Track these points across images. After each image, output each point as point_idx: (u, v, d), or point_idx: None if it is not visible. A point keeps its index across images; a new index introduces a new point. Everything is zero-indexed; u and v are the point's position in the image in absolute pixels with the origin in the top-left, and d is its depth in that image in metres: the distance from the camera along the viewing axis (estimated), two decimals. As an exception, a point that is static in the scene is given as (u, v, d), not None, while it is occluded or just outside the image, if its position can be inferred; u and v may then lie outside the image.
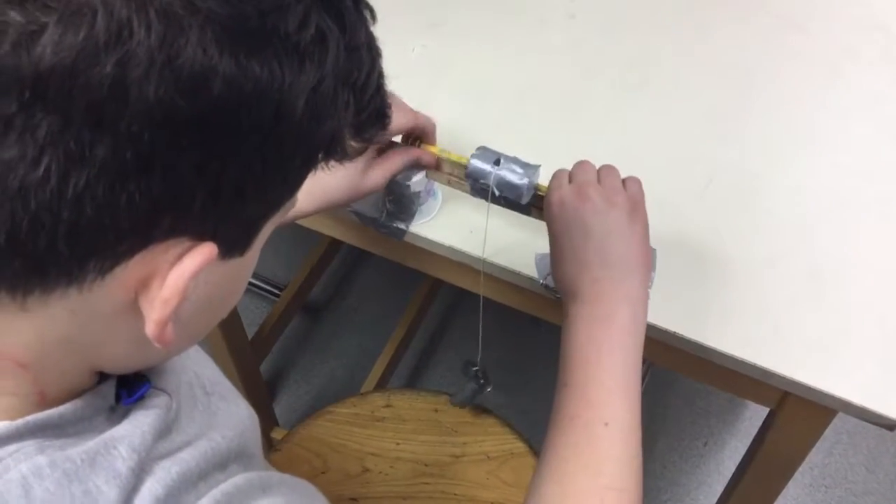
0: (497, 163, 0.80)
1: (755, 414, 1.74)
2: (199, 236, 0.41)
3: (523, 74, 1.08)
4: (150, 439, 0.45)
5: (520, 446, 1.08)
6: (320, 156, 0.46)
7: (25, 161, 0.35)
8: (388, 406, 1.12)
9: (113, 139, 0.36)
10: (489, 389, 0.94)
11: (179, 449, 0.47)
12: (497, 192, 0.80)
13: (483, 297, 0.89)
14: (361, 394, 1.16)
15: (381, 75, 0.47)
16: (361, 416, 1.11)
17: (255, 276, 1.93)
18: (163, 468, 0.45)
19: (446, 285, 1.90)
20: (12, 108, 0.35)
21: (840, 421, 0.85)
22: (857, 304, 0.85)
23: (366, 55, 0.45)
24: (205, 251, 0.41)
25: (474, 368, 0.94)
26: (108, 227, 0.38)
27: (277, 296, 1.76)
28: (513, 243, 0.90)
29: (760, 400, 0.90)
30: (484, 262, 0.88)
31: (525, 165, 0.80)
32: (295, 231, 1.96)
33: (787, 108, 1.04)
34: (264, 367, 1.80)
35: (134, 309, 0.42)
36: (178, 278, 0.41)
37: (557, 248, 0.73)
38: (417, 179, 0.86)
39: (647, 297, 0.72)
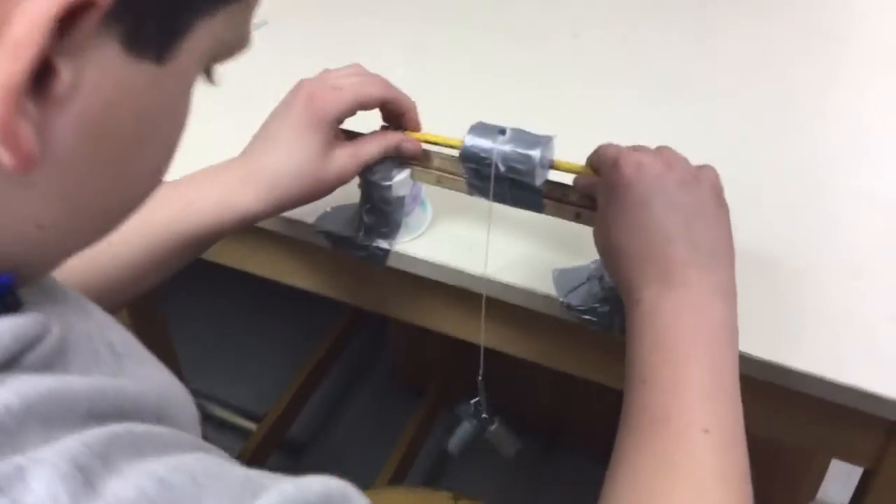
0: (503, 133, 0.63)
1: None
2: None
3: (525, 94, 0.93)
4: (8, 341, 0.30)
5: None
6: None
7: None
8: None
9: None
10: (493, 427, 0.73)
11: (59, 374, 0.32)
12: (502, 168, 0.63)
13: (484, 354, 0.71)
14: None
15: None
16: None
17: (223, 404, 1.71)
18: (24, 381, 0.30)
19: (447, 407, 1.71)
20: None
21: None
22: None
23: None
24: None
25: (473, 401, 0.73)
26: None
27: (252, 430, 1.55)
28: (521, 259, 0.72)
29: (853, 454, 0.69)
30: (487, 280, 0.70)
31: (535, 136, 0.63)
32: (269, 350, 1.78)
33: (834, 114, 0.89)
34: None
35: None
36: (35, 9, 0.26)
37: (629, 218, 0.56)
38: (400, 179, 0.69)
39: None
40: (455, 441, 0.74)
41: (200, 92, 1.01)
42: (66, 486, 0.27)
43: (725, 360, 0.52)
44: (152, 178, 0.36)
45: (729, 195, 0.60)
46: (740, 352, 0.62)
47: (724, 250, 0.56)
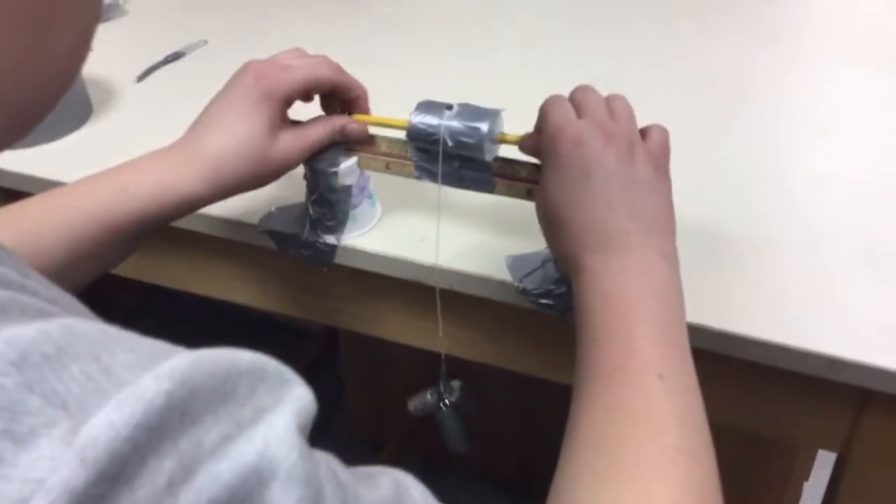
0: (450, 108, 0.62)
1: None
2: None
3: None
4: None
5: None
6: None
7: None
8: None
9: None
10: (442, 412, 0.70)
11: None
12: (450, 143, 0.61)
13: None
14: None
15: None
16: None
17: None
18: None
19: (407, 462, 1.64)
20: None
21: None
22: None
23: None
24: None
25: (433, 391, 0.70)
26: None
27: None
28: (474, 248, 0.69)
29: (822, 437, 0.67)
30: (440, 270, 0.67)
31: (483, 109, 0.62)
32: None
33: (786, 106, 0.91)
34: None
35: None
36: None
37: (569, 191, 0.55)
38: (347, 166, 0.67)
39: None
40: (454, 439, 0.71)
41: (137, 113, 0.97)
42: None
43: (675, 316, 0.52)
44: (65, 62, 0.34)
45: (685, 179, 0.59)
46: (702, 326, 0.61)
47: (663, 219, 0.56)
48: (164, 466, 0.25)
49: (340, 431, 1.72)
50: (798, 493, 1.36)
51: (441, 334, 0.68)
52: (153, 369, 0.26)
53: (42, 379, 0.25)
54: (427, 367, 0.73)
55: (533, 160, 0.62)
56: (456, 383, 0.71)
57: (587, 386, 0.48)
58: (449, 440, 0.72)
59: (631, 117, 0.58)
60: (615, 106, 0.58)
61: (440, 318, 0.68)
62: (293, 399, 0.29)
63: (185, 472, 0.25)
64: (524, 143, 0.61)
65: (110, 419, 0.24)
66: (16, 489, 0.23)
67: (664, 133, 0.58)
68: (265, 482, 0.26)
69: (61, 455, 0.24)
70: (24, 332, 0.25)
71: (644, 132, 0.58)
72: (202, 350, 0.28)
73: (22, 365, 0.25)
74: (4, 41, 0.30)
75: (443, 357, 0.70)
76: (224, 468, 0.26)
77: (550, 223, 0.57)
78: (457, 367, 0.71)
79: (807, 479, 1.38)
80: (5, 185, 0.82)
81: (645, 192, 0.55)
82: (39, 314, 0.27)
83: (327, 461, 0.30)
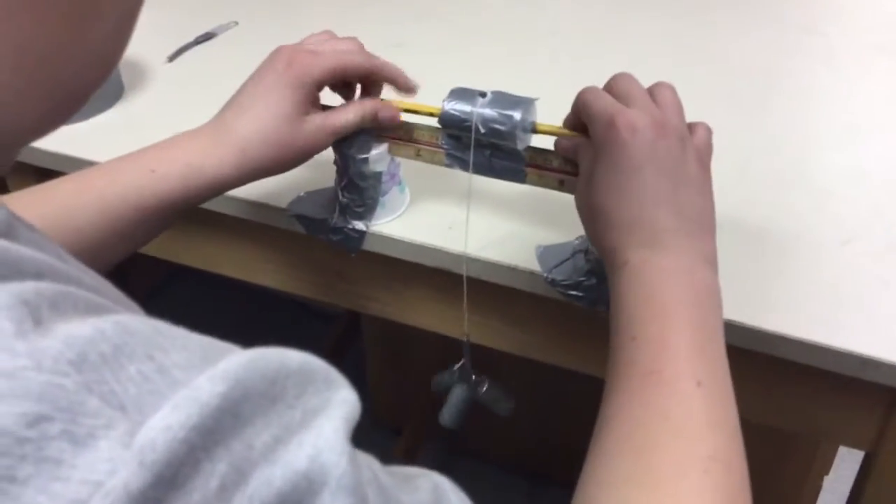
0: (483, 95, 0.61)
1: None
2: None
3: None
4: None
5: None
6: None
7: None
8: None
9: None
10: (486, 388, 0.70)
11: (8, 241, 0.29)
12: (482, 130, 0.61)
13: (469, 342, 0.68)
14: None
15: None
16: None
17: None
18: None
19: (426, 446, 1.64)
20: None
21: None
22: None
23: None
24: None
25: (458, 366, 0.69)
26: None
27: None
28: (503, 238, 0.69)
29: (851, 435, 0.66)
30: (468, 258, 0.67)
31: (517, 97, 0.61)
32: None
33: (818, 99, 0.89)
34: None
35: None
36: None
37: (619, 183, 0.53)
38: (377, 153, 0.67)
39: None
40: (449, 410, 0.70)
41: (168, 93, 0.97)
42: (11, 314, 0.25)
43: (714, 321, 0.51)
44: (109, 46, 0.34)
45: (717, 169, 0.58)
46: (734, 322, 0.61)
47: (708, 219, 0.55)
48: (217, 469, 0.25)
49: (362, 415, 1.72)
50: (817, 488, 1.35)
51: (466, 320, 0.68)
52: (207, 370, 0.26)
53: (101, 380, 0.25)
54: (449, 353, 0.73)
55: (566, 151, 0.61)
56: (484, 381, 0.70)
57: (621, 386, 0.47)
58: (445, 411, 0.72)
59: (680, 110, 0.56)
60: (663, 95, 0.56)
61: (465, 307, 0.68)
62: (340, 401, 0.29)
63: (238, 476, 0.25)
64: (560, 143, 0.60)
65: (167, 421, 0.24)
66: (74, 490, 0.23)
67: (709, 132, 0.57)
68: (316, 490, 0.26)
69: (120, 457, 0.24)
70: (81, 330, 0.25)
71: (689, 129, 0.56)
72: (253, 350, 0.28)
73: (81, 365, 0.25)
74: (52, 26, 0.30)
75: (467, 339, 0.70)
76: (276, 473, 0.26)
77: (593, 214, 0.55)
78: (476, 355, 0.71)
79: (826, 473, 1.37)
80: (36, 163, 0.83)
81: (693, 192, 0.54)
82: (90, 308, 0.27)
83: (369, 464, 0.30)
